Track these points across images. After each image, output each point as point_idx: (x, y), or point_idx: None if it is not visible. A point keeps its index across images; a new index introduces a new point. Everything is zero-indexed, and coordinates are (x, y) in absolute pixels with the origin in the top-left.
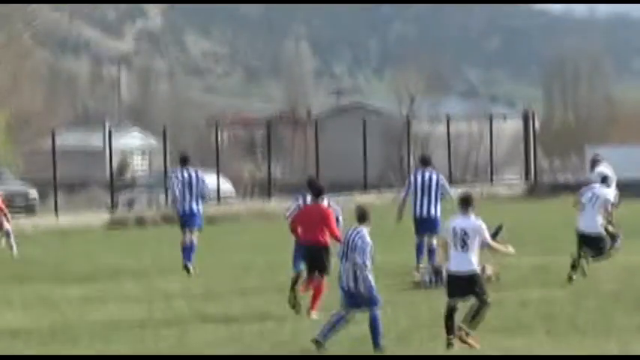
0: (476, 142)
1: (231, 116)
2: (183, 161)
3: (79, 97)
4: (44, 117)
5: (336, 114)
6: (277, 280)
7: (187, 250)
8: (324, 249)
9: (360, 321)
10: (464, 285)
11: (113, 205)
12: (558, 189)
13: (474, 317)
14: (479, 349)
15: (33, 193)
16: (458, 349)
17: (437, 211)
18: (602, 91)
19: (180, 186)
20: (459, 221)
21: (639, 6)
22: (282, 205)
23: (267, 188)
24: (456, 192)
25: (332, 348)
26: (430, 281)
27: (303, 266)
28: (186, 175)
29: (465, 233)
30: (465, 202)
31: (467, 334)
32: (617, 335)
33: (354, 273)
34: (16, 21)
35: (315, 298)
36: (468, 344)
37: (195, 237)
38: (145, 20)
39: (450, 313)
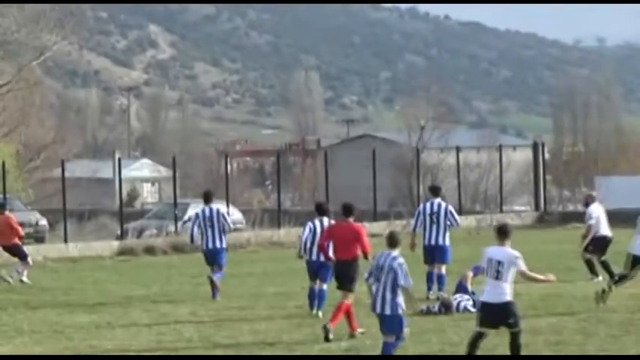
0: (485, 172)
1: (240, 146)
2: (207, 198)
3: (88, 126)
4: (54, 146)
5: (346, 144)
6: (286, 309)
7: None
8: (353, 264)
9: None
10: (496, 315)
11: (122, 234)
12: (568, 218)
13: (514, 350)
14: None
15: (42, 221)
16: None
17: (445, 240)
18: (611, 121)
19: (202, 224)
20: (494, 251)
21: None
22: (292, 234)
23: (276, 218)
24: (459, 222)
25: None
26: (440, 311)
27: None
28: (207, 212)
29: (500, 263)
30: (502, 232)
31: None
32: None
33: (384, 297)
34: (27, 51)
35: (335, 314)
36: None
37: (220, 270)
38: (154, 50)
39: (475, 340)
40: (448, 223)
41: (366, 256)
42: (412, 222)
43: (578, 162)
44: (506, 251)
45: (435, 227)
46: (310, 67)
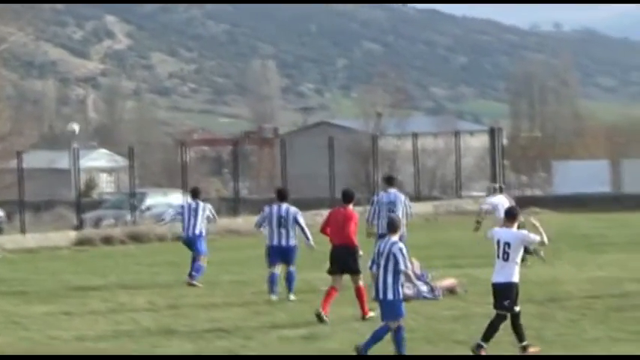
0: (443, 158)
1: (198, 135)
2: (194, 193)
3: (45, 117)
4: (11, 138)
5: (303, 132)
6: (244, 297)
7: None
8: (351, 250)
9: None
10: (499, 294)
11: (80, 224)
12: (525, 203)
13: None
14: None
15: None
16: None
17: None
18: (568, 106)
19: (186, 214)
20: (502, 233)
21: (605, 21)
22: (250, 223)
23: (234, 206)
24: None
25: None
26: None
27: (276, 269)
28: (194, 205)
29: (508, 245)
30: (509, 215)
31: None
32: (584, 348)
33: (385, 282)
34: None
35: (361, 301)
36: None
37: (199, 260)
38: (111, 41)
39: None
40: (404, 212)
41: (351, 242)
42: (369, 211)
43: (535, 147)
44: (513, 232)
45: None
46: (267, 56)
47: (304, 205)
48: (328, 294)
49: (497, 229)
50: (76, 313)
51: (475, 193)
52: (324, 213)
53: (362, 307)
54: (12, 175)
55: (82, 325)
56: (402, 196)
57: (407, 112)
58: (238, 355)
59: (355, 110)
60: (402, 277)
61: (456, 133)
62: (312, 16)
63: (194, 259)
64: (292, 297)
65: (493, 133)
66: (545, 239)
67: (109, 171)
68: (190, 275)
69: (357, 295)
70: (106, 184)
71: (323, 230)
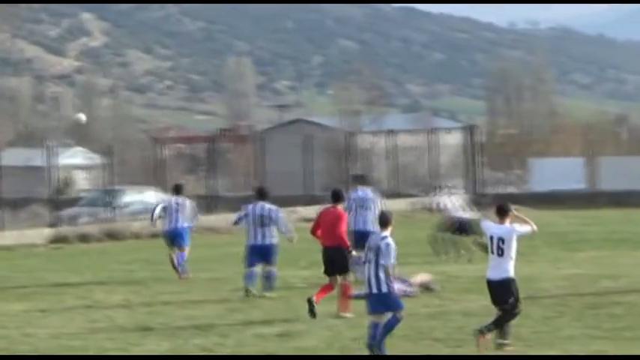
0: (419, 156)
1: (174, 132)
2: (177, 190)
3: (21, 115)
4: None
5: (279, 129)
6: (220, 294)
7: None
8: (344, 250)
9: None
10: (497, 291)
11: (56, 222)
12: (501, 200)
13: (498, 322)
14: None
15: None
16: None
17: (375, 226)
18: (544, 103)
19: (169, 209)
20: (495, 229)
21: (581, 19)
22: (226, 220)
23: (210, 203)
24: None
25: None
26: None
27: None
28: (179, 200)
29: (502, 240)
30: (501, 211)
31: (483, 334)
32: (560, 345)
33: (377, 276)
34: None
35: (344, 298)
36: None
37: (183, 251)
38: (87, 38)
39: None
40: (376, 209)
41: (342, 241)
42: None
43: (511, 144)
44: (505, 228)
45: (364, 213)
46: (243, 53)
47: (280, 202)
48: (326, 288)
49: (489, 224)
50: (52, 311)
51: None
52: (300, 210)
53: (342, 304)
54: None
55: (58, 322)
56: (374, 194)
57: (383, 110)
58: (216, 355)
59: (331, 107)
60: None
61: (432, 131)
62: (287, 13)
63: (175, 260)
64: (269, 294)
65: (469, 130)
66: (535, 227)
67: (86, 168)
68: (178, 270)
69: (342, 292)
70: (82, 182)
71: (314, 232)
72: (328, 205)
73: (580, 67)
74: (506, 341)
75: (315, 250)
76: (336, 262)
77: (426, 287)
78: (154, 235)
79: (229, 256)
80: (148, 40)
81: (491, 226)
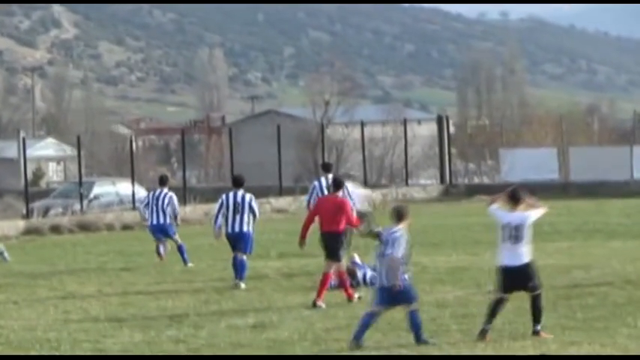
0: (391, 146)
1: (145, 124)
2: (162, 181)
3: None
4: None
5: (251, 120)
6: (193, 285)
7: (160, 250)
8: (340, 236)
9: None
10: (517, 278)
11: (28, 213)
12: (473, 191)
13: (536, 313)
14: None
15: None
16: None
17: None
18: (515, 94)
19: (151, 203)
20: (508, 216)
21: (551, 9)
22: (198, 211)
23: (182, 195)
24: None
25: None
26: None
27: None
28: (163, 192)
29: (516, 227)
30: (514, 198)
31: (539, 333)
32: (534, 336)
33: (391, 270)
34: None
35: (322, 288)
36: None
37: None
38: (58, 30)
39: (496, 305)
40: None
41: (352, 226)
42: (306, 197)
43: (482, 135)
44: (520, 215)
45: None
46: (214, 45)
47: (252, 193)
48: (341, 279)
49: (502, 212)
50: (25, 303)
51: (423, 181)
52: (273, 201)
53: (319, 293)
54: None
55: (31, 314)
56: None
57: (354, 101)
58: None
59: (303, 99)
60: (403, 264)
61: (404, 122)
62: (259, 5)
63: (159, 247)
64: (242, 285)
65: (440, 121)
66: (545, 208)
67: (57, 160)
68: (162, 257)
69: (322, 280)
70: (54, 174)
71: (308, 220)
72: (328, 195)
73: (551, 58)
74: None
75: (285, 241)
76: (330, 247)
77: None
78: (127, 227)
79: (201, 248)
80: (119, 32)
81: (503, 214)
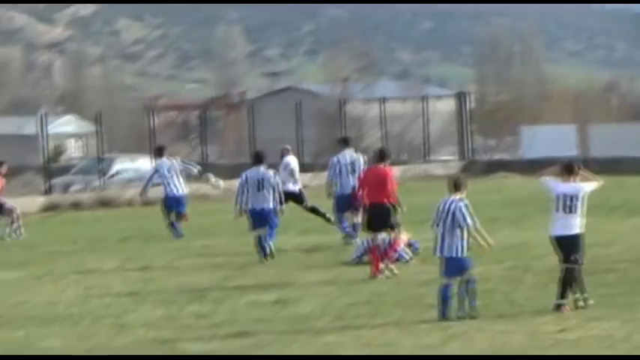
0: (410, 123)
1: (165, 100)
2: (160, 151)
3: (11, 83)
4: None
5: (270, 96)
6: (214, 262)
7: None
8: (388, 207)
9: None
10: (565, 246)
11: (48, 190)
12: (493, 167)
13: (566, 282)
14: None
15: None
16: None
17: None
18: (534, 70)
19: (169, 172)
20: (564, 187)
21: None
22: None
23: (202, 171)
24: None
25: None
26: (360, 258)
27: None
28: (170, 163)
29: (570, 198)
30: (569, 169)
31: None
32: (554, 312)
33: (453, 240)
34: None
35: (388, 252)
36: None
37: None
38: (76, 7)
39: (568, 275)
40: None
41: (390, 200)
42: (328, 172)
43: (502, 111)
44: (574, 186)
45: (352, 177)
46: (233, 21)
47: (272, 168)
48: (374, 254)
49: (556, 182)
50: (47, 278)
51: (443, 158)
52: None
53: (375, 263)
54: None
55: (52, 290)
56: (361, 157)
57: (373, 78)
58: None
59: (321, 75)
60: (465, 233)
61: (423, 98)
62: None
63: (175, 223)
64: (271, 244)
65: (460, 97)
66: (601, 181)
67: (77, 136)
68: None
69: (385, 251)
70: (74, 150)
71: (359, 189)
72: (372, 165)
73: (570, 35)
74: (585, 294)
75: (306, 217)
76: (380, 218)
77: (408, 245)
78: (147, 203)
79: (221, 224)
80: (138, 9)
81: (558, 185)
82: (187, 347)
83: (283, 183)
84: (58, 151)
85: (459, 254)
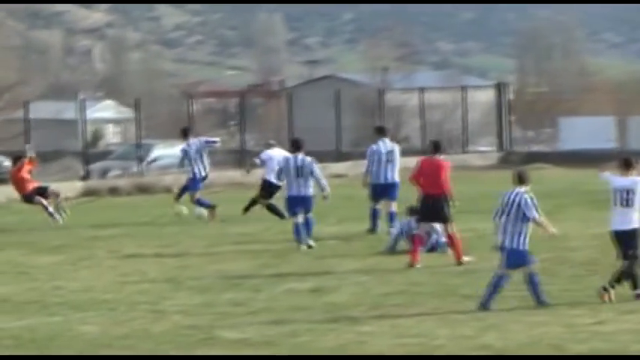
0: (449, 113)
1: (204, 87)
2: (186, 133)
3: (51, 68)
4: (17, 88)
5: (310, 85)
6: (251, 250)
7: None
8: (444, 199)
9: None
10: (621, 240)
11: (87, 175)
12: (532, 158)
13: (623, 276)
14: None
15: (6, 162)
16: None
17: (397, 178)
18: (574, 62)
19: (196, 154)
20: (621, 181)
21: None
22: (255, 175)
23: (240, 158)
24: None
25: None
26: (393, 247)
27: (299, 218)
28: (198, 143)
29: (627, 192)
30: (627, 164)
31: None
32: (591, 305)
33: (516, 232)
34: None
35: (456, 247)
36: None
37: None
38: None
39: (629, 268)
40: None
41: (445, 191)
42: (367, 162)
43: (541, 103)
44: (632, 179)
45: (390, 166)
46: (273, 9)
47: (311, 156)
48: (415, 243)
49: (612, 176)
50: (83, 264)
51: (481, 148)
52: (330, 166)
53: (457, 252)
54: (19, 126)
55: (88, 275)
56: (396, 147)
57: (412, 67)
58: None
59: (361, 64)
60: (528, 226)
61: (462, 88)
62: None
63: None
64: (312, 242)
65: (500, 88)
66: None
67: (116, 122)
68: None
69: (450, 243)
70: (112, 135)
71: (414, 178)
72: (427, 156)
73: (611, 27)
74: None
75: (344, 206)
76: (436, 210)
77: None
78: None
79: (259, 211)
80: None
81: (615, 179)
82: (223, 335)
83: (268, 174)
84: (97, 137)
85: (521, 246)
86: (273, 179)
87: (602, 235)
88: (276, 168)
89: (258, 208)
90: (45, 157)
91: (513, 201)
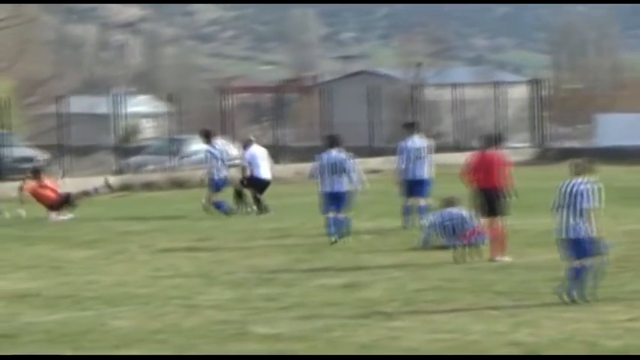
0: (483, 109)
1: (238, 82)
2: (207, 135)
3: (86, 62)
4: (51, 82)
5: (344, 80)
6: (284, 245)
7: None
8: (502, 192)
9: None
10: None
11: (121, 169)
12: (566, 155)
13: None
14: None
15: (41, 156)
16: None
17: (429, 174)
18: (609, 57)
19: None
20: None
21: None
22: (290, 170)
23: (274, 153)
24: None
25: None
26: (426, 241)
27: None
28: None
29: None
30: None
31: None
32: (624, 301)
33: (576, 222)
34: None
35: (499, 242)
36: None
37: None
38: None
39: None
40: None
41: (505, 184)
42: (398, 159)
43: (576, 99)
44: None
45: (419, 162)
46: (308, 4)
47: (345, 151)
48: (494, 238)
49: None
50: (116, 259)
51: (515, 145)
52: (365, 160)
53: (497, 248)
54: (53, 120)
55: (122, 270)
56: (426, 142)
57: (446, 63)
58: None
59: (395, 60)
60: (591, 215)
61: (496, 84)
62: None
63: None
64: (342, 240)
65: (535, 84)
66: None
67: (151, 117)
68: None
69: (494, 237)
70: (147, 130)
71: (466, 175)
72: (480, 151)
73: None
74: None
75: (378, 201)
76: (495, 204)
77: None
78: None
79: (293, 206)
80: None
81: None
82: (256, 330)
83: (252, 170)
84: (131, 131)
85: (589, 235)
86: (261, 175)
87: (634, 231)
88: (262, 163)
89: (293, 204)
90: (79, 152)
91: (576, 191)
